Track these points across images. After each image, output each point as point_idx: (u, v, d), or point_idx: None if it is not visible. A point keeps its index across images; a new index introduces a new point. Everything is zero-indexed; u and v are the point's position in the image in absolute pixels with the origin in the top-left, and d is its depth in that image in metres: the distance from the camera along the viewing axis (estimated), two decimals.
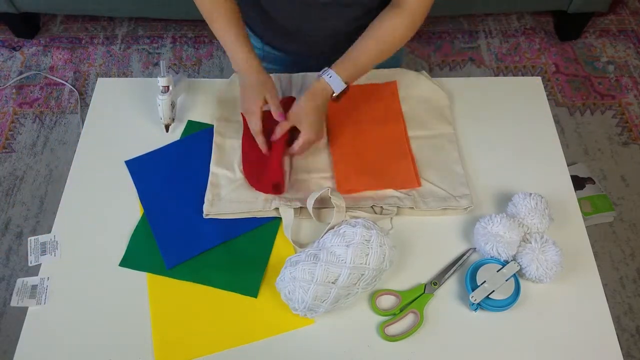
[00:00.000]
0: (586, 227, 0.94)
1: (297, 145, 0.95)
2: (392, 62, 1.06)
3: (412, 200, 0.94)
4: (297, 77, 1.13)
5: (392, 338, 0.83)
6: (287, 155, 0.99)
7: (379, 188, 0.96)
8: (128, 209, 0.97)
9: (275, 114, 0.96)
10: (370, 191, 0.96)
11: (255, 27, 1.16)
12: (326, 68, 0.94)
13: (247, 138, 1.01)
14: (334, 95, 0.94)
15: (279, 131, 0.96)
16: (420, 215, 0.95)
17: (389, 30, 0.95)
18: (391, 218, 0.94)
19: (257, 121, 0.95)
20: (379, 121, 1.04)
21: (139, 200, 0.98)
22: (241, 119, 1.07)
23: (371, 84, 1.11)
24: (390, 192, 0.96)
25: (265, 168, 0.96)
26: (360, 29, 0.98)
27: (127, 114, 1.10)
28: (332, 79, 0.93)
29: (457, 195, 0.95)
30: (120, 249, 0.92)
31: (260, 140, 0.97)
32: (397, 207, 0.94)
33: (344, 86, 0.93)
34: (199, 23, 2.20)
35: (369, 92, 1.10)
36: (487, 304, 0.83)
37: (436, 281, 0.87)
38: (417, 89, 1.11)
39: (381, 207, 0.95)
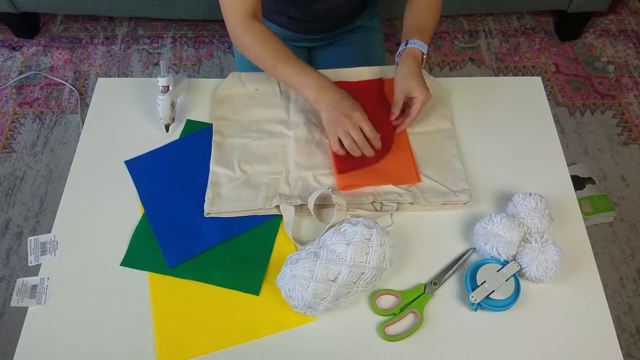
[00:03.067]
0: (586, 227, 0.94)
1: (415, 109, 0.98)
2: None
3: (412, 196, 0.94)
4: None
5: (392, 338, 0.83)
6: (399, 128, 1.02)
7: (379, 184, 0.97)
8: (128, 209, 0.97)
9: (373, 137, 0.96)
10: (370, 187, 0.96)
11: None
12: (404, 42, 1.03)
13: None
14: (424, 56, 1.01)
15: (397, 107, 1.00)
16: (420, 210, 0.95)
17: (431, 5, 1.09)
18: (391, 214, 0.94)
19: (365, 117, 0.96)
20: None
21: (139, 200, 0.98)
22: (240, 117, 1.07)
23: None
24: (390, 187, 0.96)
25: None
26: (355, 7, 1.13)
27: (127, 114, 1.10)
28: (416, 43, 1.01)
29: (456, 190, 0.96)
30: (120, 249, 0.92)
31: (367, 152, 0.96)
32: (397, 202, 0.94)
33: (426, 46, 1.01)
34: (199, 23, 2.20)
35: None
36: (487, 304, 0.83)
37: (436, 281, 0.87)
38: None
39: (381, 203, 0.95)
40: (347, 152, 0.97)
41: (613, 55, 2.09)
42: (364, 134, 0.95)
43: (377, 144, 0.97)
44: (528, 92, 1.13)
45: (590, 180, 1.72)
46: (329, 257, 0.80)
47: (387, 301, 0.87)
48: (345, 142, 0.94)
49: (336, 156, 0.98)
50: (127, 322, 0.85)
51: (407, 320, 0.85)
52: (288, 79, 0.99)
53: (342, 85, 1.01)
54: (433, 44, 2.12)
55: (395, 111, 1.00)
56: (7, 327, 1.51)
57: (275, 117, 1.07)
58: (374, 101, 1.07)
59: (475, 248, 0.91)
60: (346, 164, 0.98)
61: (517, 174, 1.00)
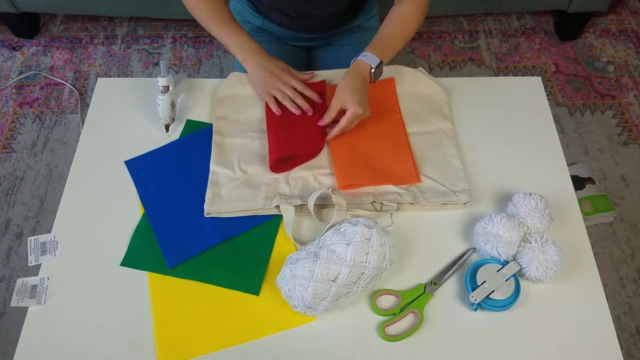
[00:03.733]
0: (586, 227, 0.94)
1: (343, 120, 0.99)
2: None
3: (412, 196, 0.94)
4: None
5: (392, 338, 0.83)
6: (329, 135, 1.02)
7: (379, 184, 0.97)
8: (128, 209, 0.97)
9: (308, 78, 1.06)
10: (370, 187, 0.96)
11: (256, 2, 1.23)
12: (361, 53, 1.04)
13: (272, 115, 1.04)
14: (372, 70, 1.01)
15: (328, 116, 1.00)
16: (420, 210, 0.95)
17: (405, 18, 1.07)
18: (391, 214, 0.94)
19: (295, 76, 1.04)
20: (377, 117, 1.04)
21: (139, 200, 0.98)
22: (240, 117, 1.07)
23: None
24: (390, 187, 0.96)
25: (302, 138, 1.01)
26: (351, 7, 1.16)
27: (127, 114, 1.10)
28: (367, 57, 1.02)
29: (456, 190, 0.96)
30: (120, 249, 0.92)
31: (300, 102, 1.03)
32: (397, 202, 0.94)
33: (378, 60, 1.01)
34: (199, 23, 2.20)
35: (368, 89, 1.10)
36: (487, 304, 0.83)
37: (436, 281, 0.87)
38: (415, 86, 1.11)
39: (381, 203, 0.95)
40: (284, 137, 1.00)
41: (613, 55, 2.09)
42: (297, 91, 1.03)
43: (311, 95, 1.04)
44: (528, 92, 1.13)
45: (590, 180, 1.72)
46: (329, 257, 0.80)
47: (387, 301, 0.87)
48: (279, 96, 1.03)
49: (272, 142, 1.01)
50: (127, 322, 0.85)
51: (407, 320, 0.85)
52: (220, 39, 1.08)
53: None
54: (433, 44, 2.12)
55: (326, 119, 1.01)
56: (7, 327, 1.51)
57: None
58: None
59: (475, 248, 0.91)
60: (280, 150, 0.99)
61: (517, 174, 1.00)
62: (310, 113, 1.03)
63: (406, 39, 1.09)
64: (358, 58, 1.02)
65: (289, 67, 1.08)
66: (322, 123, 1.01)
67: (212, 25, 1.08)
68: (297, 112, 1.03)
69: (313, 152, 1.01)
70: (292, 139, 1.00)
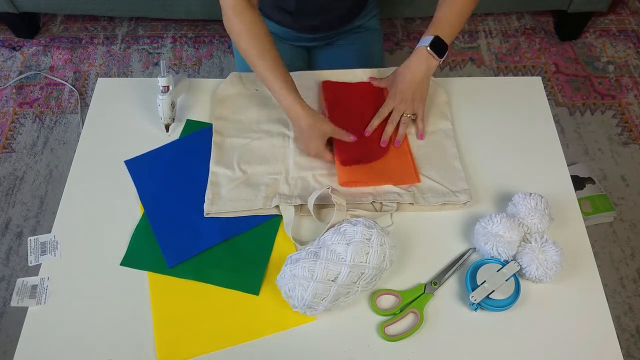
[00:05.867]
0: (586, 227, 0.94)
1: (379, 112, 1.01)
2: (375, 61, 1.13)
3: (412, 196, 0.95)
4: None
5: (392, 338, 0.83)
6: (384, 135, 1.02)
7: (379, 183, 0.97)
8: (128, 209, 0.97)
9: (347, 139, 0.99)
10: (370, 187, 0.96)
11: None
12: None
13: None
14: (427, 48, 0.99)
15: (384, 111, 1.02)
16: (420, 210, 0.95)
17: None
18: (391, 214, 0.94)
19: (329, 156, 0.99)
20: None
21: (139, 200, 0.98)
22: (240, 117, 1.07)
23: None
24: (389, 187, 0.96)
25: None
26: (353, 7, 1.15)
27: (127, 114, 1.10)
28: (420, 41, 1.00)
29: (456, 191, 0.96)
30: (120, 249, 0.92)
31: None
32: (397, 202, 0.94)
33: (431, 37, 0.99)
34: (199, 23, 2.20)
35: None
36: (487, 304, 0.83)
37: (436, 281, 0.87)
38: None
39: (381, 203, 0.95)
40: (350, 145, 0.99)
41: (613, 55, 2.09)
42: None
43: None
44: (528, 92, 1.13)
45: (590, 180, 1.72)
46: (329, 257, 0.80)
47: (387, 301, 0.87)
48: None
49: (339, 148, 0.99)
50: (127, 322, 0.85)
51: (407, 320, 0.85)
52: (268, 87, 0.98)
53: (343, 87, 1.03)
54: None
55: (383, 114, 1.02)
56: (7, 327, 1.51)
57: (275, 117, 1.07)
58: (375, 104, 1.07)
59: (475, 248, 0.91)
60: (349, 155, 0.98)
61: (517, 174, 1.00)
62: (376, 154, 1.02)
63: (464, 15, 1.02)
64: (418, 45, 1.00)
65: (330, 132, 0.98)
66: (383, 144, 1.02)
67: (257, 67, 0.98)
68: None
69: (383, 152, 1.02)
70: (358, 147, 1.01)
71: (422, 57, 1.00)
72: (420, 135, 1.03)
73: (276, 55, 0.97)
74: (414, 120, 1.03)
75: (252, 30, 0.96)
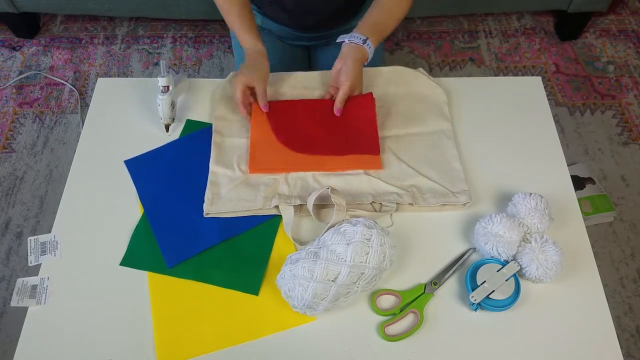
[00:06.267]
0: (586, 227, 0.94)
1: (338, 97, 1.03)
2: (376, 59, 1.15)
3: (411, 197, 0.95)
4: (289, 75, 1.14)
5: (392, 338, 0.83)
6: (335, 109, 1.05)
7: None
8: (128, 209, 0.97)
9: (260, 102, 1.04)
10: (370, 187, 0.96)
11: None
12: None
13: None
14: (367, 47, 1.03)
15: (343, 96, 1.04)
16: (419, 211, 0.95)
17: (393, 3, 1.08)
18: (391, 214, 0.94)
19: (239, 95, 1.03)
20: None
21: (139, 200, 0.98)
22: (240, 117, 1.07)
23: (311, 99, 1.11)
24: (389, 187, 0.96)
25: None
26: (350, 4, 1.18)
27: (127, 114, 1.10)
28: (351, 37, 1.04)
29: (455, 191, 0.96)
30: (120, 249, 0.92)
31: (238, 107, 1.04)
32: (397, 203, 0.94)
33: (361, 36, 1.03)
34: (199, 23, 2.20)
35: (311, 106, 1.08)
36: (487, 304, 0.83)
37: (436, 281, 0.87)
38: (415, 86, 1.11)
39: (380, 203, 0.95)
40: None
41: (613, 55, 2.09)
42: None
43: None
44: (528, 92, 1.13)
45: (590, 180, 1.72)
46: (328, 257, 0.80)
47: (387, 301, 0.87)
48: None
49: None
50: (127, 322, 0.85)
51: (407, 320, 0.85)
52: (235, 31, 1.11)
53: (286, 105, 1.08)
54: (433, 44, 2.12)
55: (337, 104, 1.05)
56: (7, 327, 1.51)
57: None
58: (352, 116, 1.06)
59: (475, 248, 0.91)
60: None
61: (517, 174, 1.00)
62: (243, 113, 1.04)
63: (396, 19, 1.09)
64: (345, 42, 1.04)
65: (257, 78, 1.04)
66: (337, 112, 1.04)
67: (230, 15, 1.10)
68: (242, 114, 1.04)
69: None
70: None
71: (360, 53, 1.04)
72: (338, 111, 1.05)
73: (244, 4, 1.10)
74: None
75: None
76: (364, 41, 1.03)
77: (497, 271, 0.85)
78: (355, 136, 1.01)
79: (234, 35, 1.34)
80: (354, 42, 1.03)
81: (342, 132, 1.02)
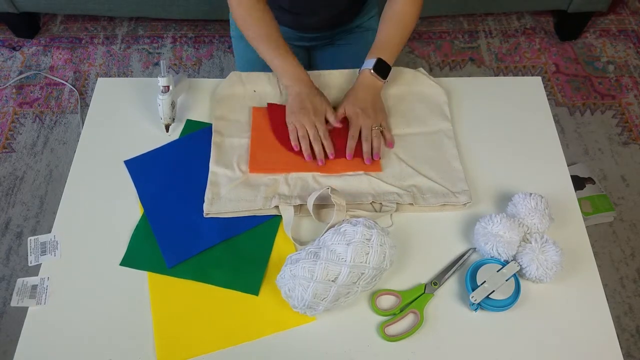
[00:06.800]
0: (586, 227, 0.94)
1: (351, 133, 1.00)
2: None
3: (411, 197, 0.95)
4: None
5: (392, 338, 0.83)
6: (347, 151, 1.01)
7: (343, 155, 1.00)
8: (128, 209, 0.97)
9: (336, 123, 1.02)
10: (370, 187, 0.97)
11: None
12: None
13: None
14: (371, 71, 1.03)
15: (355, 130, 1.01)
16: (419, 211, 0.95)
17: (401, 14, 1.07)
18: (391, 214, 0.94)
19: (324, 119, 1.02)
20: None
21: (139, 200, 0.98)
22: (240, 117, 1.07)
23: None
24: (389, 187, 0.96)
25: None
26: (352, 5, 1.19)
27: (127, 114, 1.10)
28: (364, 64, 1.04)
29: (455, 191, 0.96)
30: (120, 249, 0.92)
31: (317, 148, 0.99)
32: (397, 203, 0.94)
33: (373, 60, 1.03)
34: (199, 23, 2.20)
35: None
36: (487, 304, 0.83)
37: (436, 281, 0.87)
38: (415, 86, 1.11)
39: (380, 203, 0.95)
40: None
41: (613, 55, 2.09)
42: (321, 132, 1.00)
43: (328, 146, 0.99)
44: (528, 92, 1.13)
45: (590, 180, 1.72)
46: (329, 257, 0.80)
47: (387, 301, 0.87)
48: (300, 133, 0.99)
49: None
50: (127, 322, 0.85)
51: (407, 320, 0.85)
52: (266, 58, 1.06)
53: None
54: (433, 44, 2.12)
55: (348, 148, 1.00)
56: (7, 327, 1.51)
57: None
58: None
59: (475, 248, 0.91)
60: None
61: (517, 174, 1.00)
62: (320, 164, 0.99)
63: (405, 33, 1.08)
64: (359, 70, 1.04)
65: (327, 107, 1.03)
66: (349, 157, 0.99)
67: (260, 41, 1.06)
68: (307, 158, 0.99)
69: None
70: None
71: (367, 79, 1.04)
72: (390, 144, 1.01)
73: (276, 34, 1.07)
74: (382, 132, 1.02)
75: (252, 15, 1.05)
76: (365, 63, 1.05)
77: (497, 271, 0.85)
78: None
79: (234, 36, 1.34)
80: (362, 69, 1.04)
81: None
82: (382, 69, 1.04)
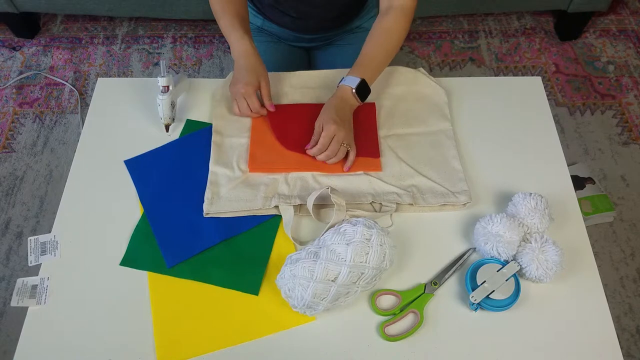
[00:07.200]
0: (586, 227, 0.94)
1: (321, 137, 0.96)
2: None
3: (411, 197, 0.95)
4: (290, 74, 1.14)
5: (392, 338, 0.83)
6: (310, 152, 0.99)
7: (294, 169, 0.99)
8: (128, 209, 0.97)
9: (267, 102, 1.04)
10: (369, 187, 0.97)
11: (256, 1, 1.24)
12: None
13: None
14: (353, 91, 0.99)
15: (313, 140, 0.99)
16: (419, 211, 0.95)
17: (388, 32, 1.04)
18: (391, 214, 0.94)
19: (255, 100, 1.02)
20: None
21: (139, 200, 0.98)
22: (240, 117, 1.07)
23: (307, 104, 1.10)
24: (389, 187, 0.96)
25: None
26: (352, 8, 1.18)
27: (127, 114, 1.10)
28: (347, 80, 1.01)
29: (455, 191, 0.96)
30: (120, 249, 0.92)
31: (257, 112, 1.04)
32: (397, 203, 0.94)
33: (358, 80, 0.99)
34: (199, 23, 2.20)
35: (308, 111, 1.07)
36: (487, 304, 0.83)
37: (436, 281, 0.87)
38: (415, 86, 1.11)
39: (380, 203, 0.95)
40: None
41: (613, 55, 2.09)
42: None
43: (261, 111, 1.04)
44: (528, 92, 1.13)
45: (590, 180, 1.72)
46: (328, 257, 0.80)
47: (387, 301, 0.87)
48: (233, 107, 1.04)
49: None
50: (127, 322, 0.85)
51: (407, 320, 0.85)
52: (227, 35, 1.09)
53: (286, 108, 1.07)
54: (433, 44, 2.12)
55: (311, 143, 0.99)
56: (7, 327, 1.51)
57: None
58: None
59: (475, 248, 0.91)
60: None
61: (517, 174, 1.00)
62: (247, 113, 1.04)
63: (391, 52, 1.05)
64: (340, 83, 1.01)
65: (262, 81, 1.03)
66: (308, 147, 0.99)
67: (223, 16, 1.08)
68: (236, 112, 1.05)
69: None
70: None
71: (346, 95, 1.00)
72: (347, 168, 0.98)
73: (242, 14, 1.08)
74: (348, 151, 0.99)
75: None
76: (342, 80, 1.02)
77: (497, 271, 0.85)
78: (355, 139, 1.01)
79: None
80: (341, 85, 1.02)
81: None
82: (363, 91, 1.01)
